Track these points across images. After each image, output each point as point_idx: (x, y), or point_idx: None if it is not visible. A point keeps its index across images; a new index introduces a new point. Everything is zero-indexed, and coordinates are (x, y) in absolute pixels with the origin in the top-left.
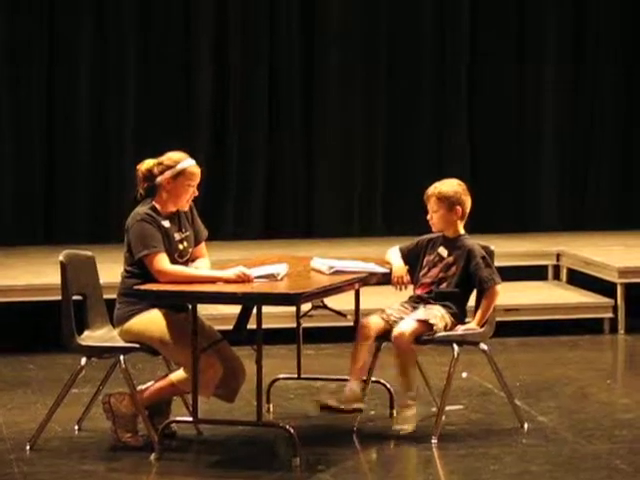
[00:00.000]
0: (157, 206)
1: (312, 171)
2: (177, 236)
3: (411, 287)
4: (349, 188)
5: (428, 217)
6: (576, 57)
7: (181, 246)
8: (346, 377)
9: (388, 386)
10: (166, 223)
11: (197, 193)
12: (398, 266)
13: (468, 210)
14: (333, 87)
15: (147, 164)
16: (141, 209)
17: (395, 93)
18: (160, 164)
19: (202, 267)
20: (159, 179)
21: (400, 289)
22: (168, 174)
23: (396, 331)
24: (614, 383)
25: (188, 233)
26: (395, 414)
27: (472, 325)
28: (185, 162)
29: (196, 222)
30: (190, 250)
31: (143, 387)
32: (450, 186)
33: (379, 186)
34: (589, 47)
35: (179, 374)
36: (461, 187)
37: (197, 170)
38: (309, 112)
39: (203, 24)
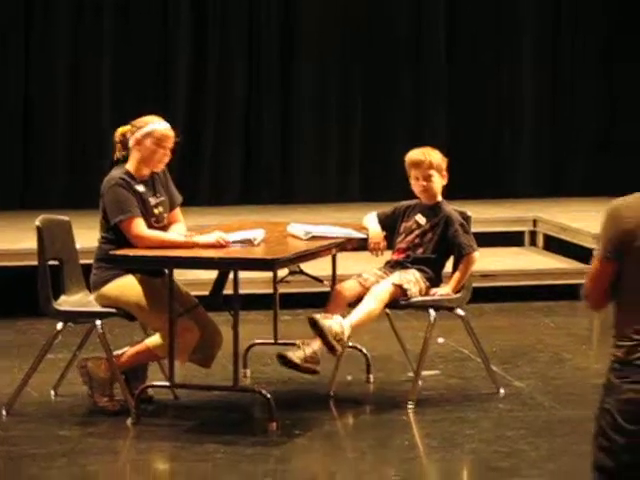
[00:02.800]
0: (131, 170)
1: (289, 137)
2: (152, 200)
3: (388, 253)
4: (326, 154)
5: (415, 183)
6: (554, 29)
7: (157, 211)
8: None
9: (364, 351)
10: (140, 187)
11: (169, 156)
12: (375, 232)
13: None
14: (312, 56)
15: (121, 130)
16: (115, 173)
17: (373, 62)
18: (133, 127)
19: (179, 232)
20: (131, 141)
21: (377, 255)
22: (138, 134)
23: (371, 290)
24: (589, 348)
25: (163, 198)
26: (301, 344)
27: (447, 290)
28: (155, 124)
29: (170, 187)
30: (165, 215)
31: (120, 352)
32: (438, 154)
33: (356, 152)
34: (565, 20)
35: (155, 339)
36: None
37: (168, 132)
38: (287, 79)
39: None
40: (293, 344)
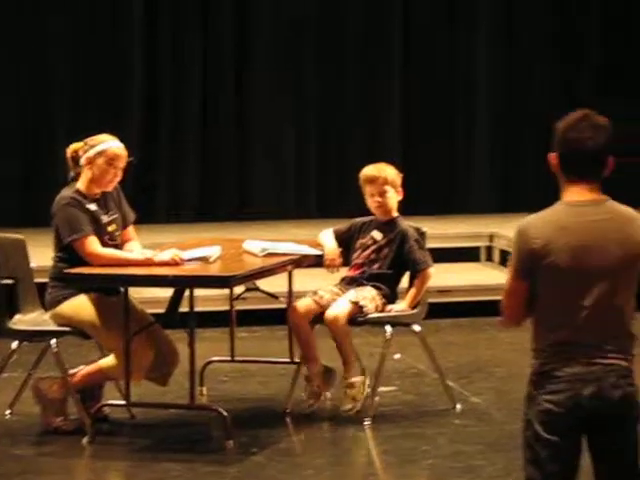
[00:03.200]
0: (82, 189)
1: (246, 154)
2: (104, 218)
3: (344, 269)
4: (283, 171)
5: (370, 200)
6: (510, 39)
7: (110, 228)
8: (279, 359)
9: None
10: (92, 206)
11: (120, 176)
12: (331, 248)
13: None
14: (265, 73)
15: (74, 146)
16: (65, 193)
17: (326, 76)
18: (85, 144)
19: (134, 250)
20: (83, 158)
21: (333, 271)
22: (91, 152)
23: (329, 315)
24: None
25: (116, 216)
26: (343, 394)
27: (403, 306)
28: (108, 143)
29: (123, 205)
30: (118, 233)
31: (74, 371)
32: (392, 170)
33: (312, 169)
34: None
35: (108, 361)
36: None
37: (120, 152)
38: (242, 97)
39: None
40: (250, 361)
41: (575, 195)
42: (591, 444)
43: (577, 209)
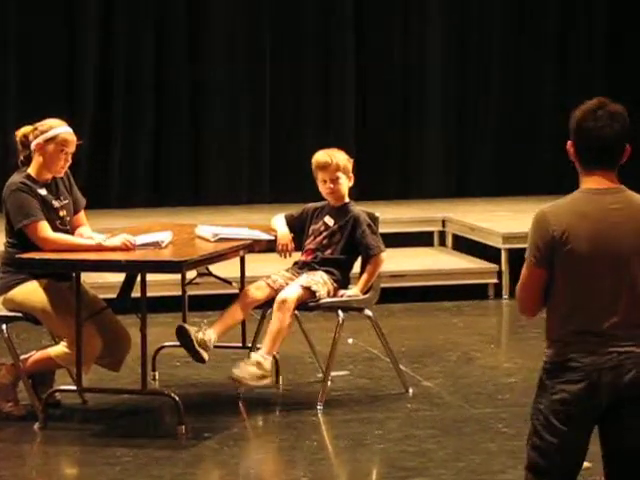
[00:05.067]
0: (32, 173)
1: (199, 138)
2: (55, 204)
3: (296, 254)
4: (236, 155)
5: (322, 186)
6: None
7: (61, 213)
8: (232, 344)
9: (274, 353)
10: (43, 191)
11: (70, 161)
12: (283, 233)
13: None
14: (219, 55)
15: (23, 130)
16: (16, 178)
17: (280, 60)
18: (35, 129)
19: (86, 235)
20: (33, 144)
21: (285, 256)
22: (41, 139)
23: (280, 296)
24: (498, 348)
25: (67, 201)
26: (240, 362)
27: (355, 291)
28: (59, 128)
29: (74, 190)
30: (69, 218)
31: (26, 356)
32: (344, 155)
33: (266, 153)
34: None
35: (58, 349)
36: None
37: (71, 137)
38: (196, 80)
39: None
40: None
41: (593, 183)
42: (604, 432)
43: (595, 197)
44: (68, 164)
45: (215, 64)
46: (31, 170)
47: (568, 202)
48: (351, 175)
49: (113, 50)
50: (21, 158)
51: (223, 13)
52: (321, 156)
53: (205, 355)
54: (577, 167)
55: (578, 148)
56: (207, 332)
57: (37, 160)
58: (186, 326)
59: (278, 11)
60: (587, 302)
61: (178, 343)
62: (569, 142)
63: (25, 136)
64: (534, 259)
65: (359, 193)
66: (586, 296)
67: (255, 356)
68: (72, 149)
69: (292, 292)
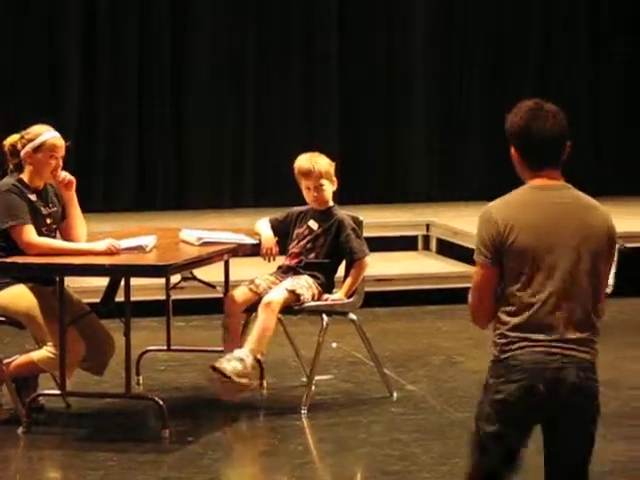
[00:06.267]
0: (25, 179)
1: (182, 143)
2: (44, 210)
3: (280, 258)
4: (219, 159)
5: (307, 193)
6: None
7: (48, 220)
8: (216, 348)
9: (259, 357)
10: (33, 197)
11: (61, 165)
12: (267, 237)
13: None
14: (203, 57)
15: (11, 139)
16: (8, 180)
17: (263, 64)
18: (22, 138)
19: (80, 233)
20: (22, 153)
21: (269, 260)
22: (29, 147)
23: (265, 299)
24: (482, 351)
25: (55, 209)
26: (227, 357)
27: (339, 295)
28: (45, 135)
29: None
30: (55, 226)
31: (9, 360)
32: (326, 160)
33: (249, 157)
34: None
35: (41, 353)
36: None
37: (59, 142)
38: (179, 83)
39: None
40: (187, 350)
41: (539, 181)
42: (544, 435)
43: (540, 192)
44: (60, 168)
45: (199, 67)
46: (23, 176)
47: (513, 196)
48: (334, 179)
49: (96, 52)
50: (10, 167)
51: (208, 13)
52: (304, 163)
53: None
54: (521, 171)
55: (523, 151)
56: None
57: (28, 169)
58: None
59: (263, 11)
60: (530, 299)
61: (163, 347)
62: (512, 149)
63: (13, 145)
64: (485, 258)
65: (343, 197)
66: (529, 293)
67: (238, 352)
68: (61, 153)
69: (277, 295)
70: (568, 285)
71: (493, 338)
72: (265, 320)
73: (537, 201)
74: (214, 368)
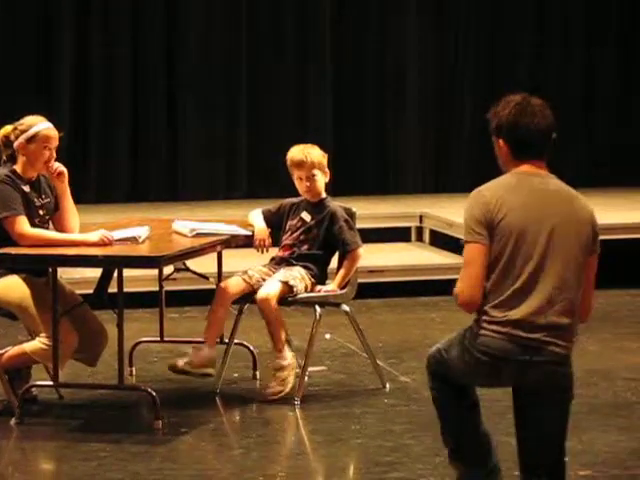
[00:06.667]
0: (18, 170)
1: (176, 134)
2: (37, 202)
3: (273, 249)
4: (213, 150)
5: (299, 183)
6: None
7: (41, 211)
8: None
9: (251, 348)
10: (26, 188)
11: (54, 156)
12: (260, 228)
13: None
14: (196, 50)
15: (4, 130)
16: (0, 171)
17: (257, 57)
18: (15, 129)
19: (73, 224)
20: (15, 144)
21: (262, 252)
22: (22, 139)
23: (260, 294)
24: None
25: (48, 200)
26: (272, 376)
27: (332, 287)
28: (39, 125)
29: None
30: (48, 217)
31: (2, 351)
32: (318, 151)
33: (242, 148)
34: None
35: (34, 344)
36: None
37: (52, 132)
38: (173, 74)
39: None
40: (180, 342)
41: (525, 167)
42: (516, 413)
43: (526, 177)
44: (53, 159)
45: (192, 60)
46: (17, 167)
47: (501, 180)
48: (327, 170)
49: (89, 45)
50: (4, 158)
51: (200, 11)
52: (296, 154)
53: (209, 370)
54: (505, 162)
55: (511, 144)
56: (200, 353)
57: (21, 160)
58: (174, 363)
59: (256, 8)
60: (511, 281)
61: (156, 338)
62: (500, 141)
63: (6, 136)
64: (477, 235)
65: (336, 188)
66: (510, 275)
67: (276, 363)
68: (55, 144)
69: (272, 289)
70: (549, 271)
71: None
72: (270, 317)
73: (524, 185)
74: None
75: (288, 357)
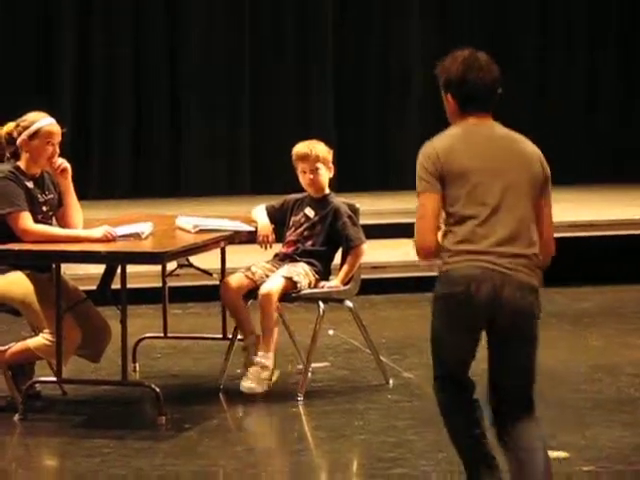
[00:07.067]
0: (22, 166)
1: (179, 130)
2: (40, 198)
3: (277, 246)
4: (216, 146)
5: (302, 177)
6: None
7: (45, 208)
8: (213, 335)
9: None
10: (30, 184)
11: (57, 152)
12: (264, 224)
13: None
14: (198, 48)
15: (7, 127)
16: (5, 167)
17: (259, 57)
18: (18, 126)
19: (76, 220)
20: (18, 141)
21: (265, 247)
22: (25, 135)
23: (263, 290)
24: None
25: (52, 196)
26: (248, 372)
27: (336, 282)
28: (41, 121)
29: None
30: (51, 213)
31: (4, 348)
32: (324, 147)
33: (245, 145)
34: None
35: (37, 340)
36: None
37: (54, 128)
38: (175, 72)
39: None
40: (183, 338)
41: (471, 119)
42: (488, 341)
43: (474, 127)
44: (57, 154)
45: (195, 57)
46: (21, 163)
47: (448, 132)
48: (331, 166)
49: (91, 43)
50: (7, 155)
51: (202, 11)
52: (301, 147)
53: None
54: (452, 115)
55: (459, 99)
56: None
57: (24, 156)
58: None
59: (258, 7)
60: (471, 216)
61: (159, 335)
62: (449, 95)
63: (9, 134)
64: (427, 184)
65: (339, 184)
66: (470, 211)
67: (260, 360)
68: (58, 139)
69: (275, 284)
70: (504, 207)
71: (442, 257)
72: (268, 314)
73: (472, 133)
74: (244, 392)
75: (271, 359)
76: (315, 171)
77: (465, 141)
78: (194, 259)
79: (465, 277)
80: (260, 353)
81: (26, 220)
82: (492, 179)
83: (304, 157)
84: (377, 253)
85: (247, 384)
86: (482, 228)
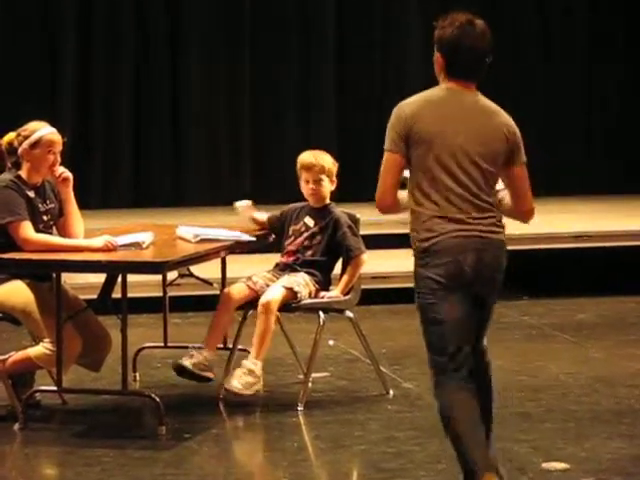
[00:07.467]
0: (23, 176)
1: (179, 139)
2: (41, 207)
3: (277, 255)
4: (217, 156)
5: (304, 186)
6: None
7: (45, 217)
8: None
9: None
10: (31, 193)
11: (59, 160)
12: (263, 220)
13: None
14: (199, 57)
15: (8, 137)
16: (6, 176)
17: (261, 61)
18: (19, 135)
19: (77, 230)
20: (19, 150)
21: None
22: (26, 144)
23: (263, 300)
24: None
25: (53, 205)
26: (235, 371)
27: (336, 293)
28: (42, 131)
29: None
30: (52, 222)
31: (5, 357)
32: (329, 158)
33: (246, 155)
34: None
35: (37, 350)
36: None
37: (56, 137)
38: (176, 82)
39: None
40: (183, 347)
41: (453, 85)
42: (473, 302)
43: (451, 92)
44: (58, 163)
45: (195, 66)
46: (22, 172)
47: (424, 93)
48: (334, 179)
49: (94, 48)
50: (8, 164)
51: (204, 14)
52: (307, 157)
53: (209, 374)
54: (439, 73)
55: (450, 61)
56: (200, 354)
57: (26, 165)
58: (180, 362)
59: (258, 10)
60: (439, 187)
61: (159, 344)
62: (438, 55)
63: (9, 143)
64: (391, 144)
65: (340, 194)
66: (436, 181)
67: (246, 363)
68: (59, 148)
69: (275, 294)
70: (469, 173)
71: (411, 233)
72: (265, 322)
73: (448, 98)
74: (227, 390)
75: (259, 367)
76: (318, 182)
77: (437, 106)
78: (195, 269)
79: (452, 249)
80: (250, 358)
81: (27, 229)
82: (453, 149)
83: (309, 167)
84: (377, 263)
85: (233, 383)
86: (449, 201)
